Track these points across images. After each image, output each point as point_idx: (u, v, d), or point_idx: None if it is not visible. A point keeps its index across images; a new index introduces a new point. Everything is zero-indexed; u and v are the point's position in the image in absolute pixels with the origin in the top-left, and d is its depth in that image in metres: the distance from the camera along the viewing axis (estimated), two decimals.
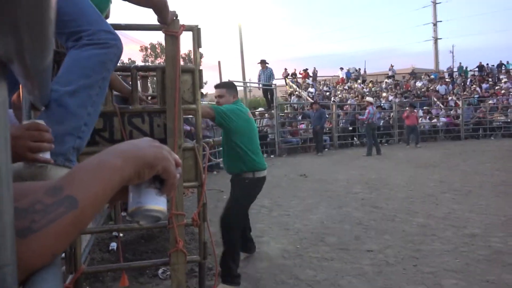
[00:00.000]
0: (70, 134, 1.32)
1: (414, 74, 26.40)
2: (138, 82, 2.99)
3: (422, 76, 25.43)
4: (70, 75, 1.35)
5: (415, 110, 15.65)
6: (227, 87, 3.67)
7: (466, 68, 25.34)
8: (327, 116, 14.67)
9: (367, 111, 13.10)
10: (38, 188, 0.54)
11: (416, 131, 15.01)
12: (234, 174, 3.60)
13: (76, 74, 1.35)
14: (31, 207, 0.50)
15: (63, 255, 2.33)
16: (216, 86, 3.68)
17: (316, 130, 13.54)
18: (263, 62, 14.91)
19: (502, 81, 22.13)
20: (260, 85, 15.36)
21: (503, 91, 20.36)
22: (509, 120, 17.49)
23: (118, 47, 1.49)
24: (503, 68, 24.69)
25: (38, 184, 0.63)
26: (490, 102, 19.00)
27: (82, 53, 1.37)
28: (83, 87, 1.35)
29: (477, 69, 24.96)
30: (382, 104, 18.34)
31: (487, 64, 25.08)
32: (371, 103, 13.56)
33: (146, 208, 0.64)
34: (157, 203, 0.65)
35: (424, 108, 18.52)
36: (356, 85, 24.39)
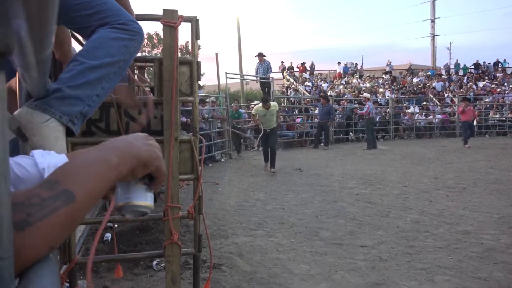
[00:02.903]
0: (81, 100, 1.38)
1: (411, 70, 26.44)
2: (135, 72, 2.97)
3: (419, 73, 25.46)
4: (97, 51, 1.43)
5: (471, 105, 14.31)
6: None
7: (465, 65, 25.38)
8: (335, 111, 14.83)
9: (366, 106, 13.22)
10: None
11: (473, 128, 13.84)
12: None
13: (102, 51, 1.43)
14: (27, 201, 0.49)
15: None
16: None
17: (322, 124, 13.62)
18: (260, 55, 14.86)
19: (498, 79, 22.25)
20: (258, 78, 15.32)
21: (498, 89, 20.46)
22: (504, 118, 17.59)
23: (142, 36, 1.57)
24: (499, 66, 24.78)
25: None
26: (486, 100, 19.08)
27: (111, 34, 1.46)
28: (106, 64, 1.44)
29: (473, 66, 25.03)
30: (378, 100, 18.38)
31: (484, 62, 25.16)
32: (368, 99, 13.69)
33: (135, 204, 0.65)
34: (146, 199, 0.66)
35: (423, 104, 18.58)
36: (354, 80, 24.38)
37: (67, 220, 0.52)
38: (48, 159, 0.76)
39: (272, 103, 8.91)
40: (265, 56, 15.00)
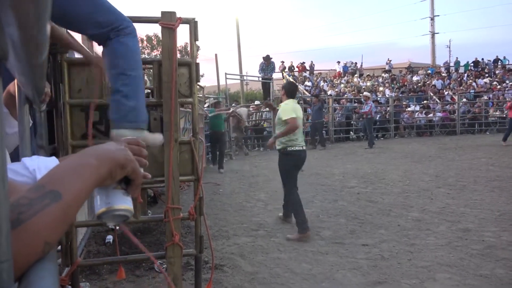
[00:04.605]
0: (144, 107, 1.89)
1: (411, 69, 26.41)
2: None
3: (419, 71, 25.43)
4: (132, 63, 1.78)
5: None
6: None
7: (467, 62, 25.33)
8: (324, 110, 14.71)
9: (369, 105, 13.21)
10: (19, 190, 0.59)
11: None
12: None
13: (133, 61, 1.79)
14: (16, 202, 0.52)
15: (59, 247, 2.33)
16: None
17: (316, 124, 13.58)
18: (267, 59, 15.01)
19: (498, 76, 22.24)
20: (260, 78, 15.43)
21: (498, 87, 20.44)
22: (504, 115, 17.55)
23: (136, 30, 1.88)
24: (499, 63, 24.75)
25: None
26: (485, 97, 19.07)
27: (129, 43, 1.77)
28: (139, 69, 1.84)
29: (472, 64, 25.00)
30: (378, 99, 18.38)
31: (482, 59, 25.13)
32: (368, 98, 13.70)
33: (116, 208, 0.67)
34: (125, 203, 0.69)
35: (424, 102, 18.58)
36: (354, 79, 24.36)
37: (58, 216, 0.54)
38: (37, 161, 0.81)
39: (287, 103, 4.77)
40: (272, 58, 15.22)
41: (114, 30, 1.71)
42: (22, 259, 0.50)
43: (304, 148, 4.75)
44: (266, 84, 15.13)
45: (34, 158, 0.84)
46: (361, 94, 16.62)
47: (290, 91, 4.95)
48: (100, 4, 1.68)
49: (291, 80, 22.98)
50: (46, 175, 0.60)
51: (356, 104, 16.72)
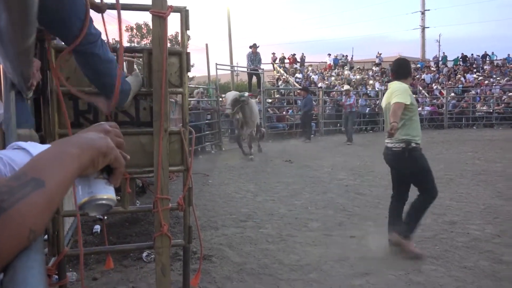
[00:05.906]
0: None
1: None
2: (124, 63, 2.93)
3: None
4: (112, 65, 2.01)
5: None
6: None
7: (457, 57, 25.53)
8: (313, 103, 14.63)
9: (353, 98, 13.18)
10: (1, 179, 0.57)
11: None
12: None
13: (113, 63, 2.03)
14: None
15: (46, 237, 2.30)
16: None
17: (303, 116, 13.44)
18: (254, 46, 14.77)
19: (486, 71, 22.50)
20: (249, 69, 15.27)
21: (486, 82, 20.69)
22: (491, 110, 17.82)
23: None
24: (487, 59, 25.02)
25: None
26: (472, 92, 19.29)
27: (107, 54, 1.98)
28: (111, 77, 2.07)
29: (461, 59, 25.23)
30: (368, 92, 18.45)
31: (472, 54, 25.38)
32: (350, 91, 13.56)
33: (99, 197, 0.67)
34: (108, 192, 0.68)
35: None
36: (345, 72, 24.40)
37: (41, 203, 0.54)
38: (39, 148, 0.78)
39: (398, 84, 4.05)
40: (258, 47, 14.97)
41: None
42: (7, 248, 0.49)
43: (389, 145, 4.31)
44: (253, 76, 15.02)
45: (37, 146, 0.83)
46: (342, 88, 16.50)
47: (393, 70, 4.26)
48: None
49: (282, 71, 22.86)
50: (28, 163, 0.59)
51: (342, 98, 16.73)
